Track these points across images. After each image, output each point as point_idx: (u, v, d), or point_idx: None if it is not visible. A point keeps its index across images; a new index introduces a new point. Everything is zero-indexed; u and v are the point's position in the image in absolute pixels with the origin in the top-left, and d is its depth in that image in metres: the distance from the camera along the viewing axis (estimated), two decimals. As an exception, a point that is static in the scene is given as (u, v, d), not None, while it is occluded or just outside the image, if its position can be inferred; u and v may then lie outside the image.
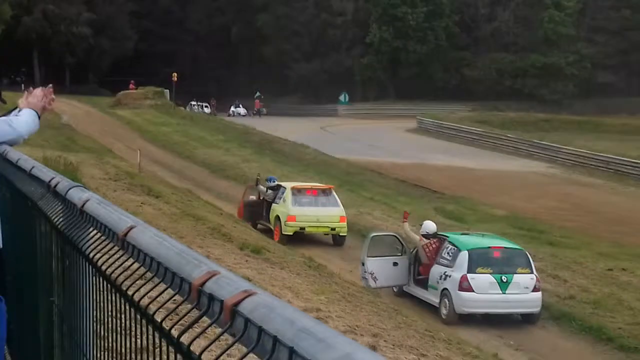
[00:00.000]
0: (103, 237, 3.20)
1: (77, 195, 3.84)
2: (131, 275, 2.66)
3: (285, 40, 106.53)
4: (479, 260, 21.33)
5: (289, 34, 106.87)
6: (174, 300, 2.25)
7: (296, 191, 29.43)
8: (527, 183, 48.06)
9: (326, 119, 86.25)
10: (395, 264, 22.96)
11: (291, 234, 28.37)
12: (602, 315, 21.34)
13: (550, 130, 73.36)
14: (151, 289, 2.44)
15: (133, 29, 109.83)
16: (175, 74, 74.01)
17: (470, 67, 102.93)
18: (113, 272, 2.85)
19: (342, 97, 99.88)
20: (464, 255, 21.37)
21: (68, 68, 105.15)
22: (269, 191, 30.07)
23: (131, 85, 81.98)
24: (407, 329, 15.84)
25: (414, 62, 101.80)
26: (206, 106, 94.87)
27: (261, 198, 30.43)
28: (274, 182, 30.75)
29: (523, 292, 20.92)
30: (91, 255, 3.21)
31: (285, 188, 29.56)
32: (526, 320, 21.27)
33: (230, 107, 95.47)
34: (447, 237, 22.75)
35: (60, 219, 3.95)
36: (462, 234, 24.00)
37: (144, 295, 2.48)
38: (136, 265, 2.70)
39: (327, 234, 29.19)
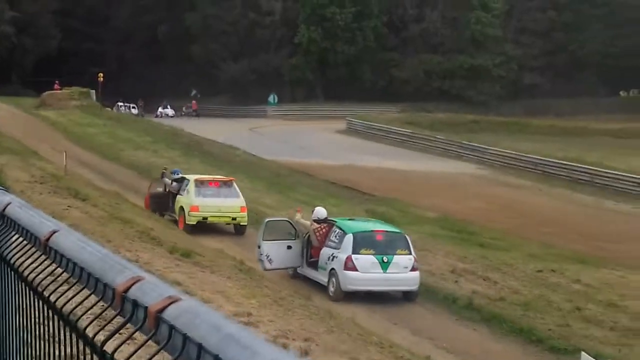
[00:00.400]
0: (25, 242, 3.13)
1: (-2, 198, 3.76)
2: (54, 280, 2.60)
3: (213, 39, 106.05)
4: (363, 242, 23.18)
5: (217, 34, 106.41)
6: (101, 306, 2.20)
7: (199, 183, 30.88)
8: (456, 184, 48.44)
9: (255, 120, 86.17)
10: (289, 247, 24.51)
11: (194, 223, 29.74)
12: (533, 317, 21.59)
13: (478, 131, 74.13)
14: (74, 295, 2.39)
15: (57, 27, 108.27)
16: (102, 74, 73.40)
17: (398, 68, 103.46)
18: (36, 277, 2.78)
19: (271, 98, 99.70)
20: (349, 238, 23.23)
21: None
22: (174, 183, 31.49)
23: (56, 86, 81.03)
24: (339, 333, 15.85)
25: (342, 62, 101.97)
26: (133, 107, 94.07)
27: (167, 190, 31.83)
28: (179, 174, 32.41)
29: (402, 272, 22.82)
30: (13, 261, 3.14)
31: (189, 180, 31.11)
32: (406, 297, 23.16)
33: (158, 108, 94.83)
34: (336, 222, 24.57)
35: None
36: (349, 219, 25.84)
37: (66, 302, 2.41)
38: (60, 270, 2.64)
39: (229, 224, 30.58)
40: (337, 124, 77.44)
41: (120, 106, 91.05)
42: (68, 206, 22.26)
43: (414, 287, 22.94)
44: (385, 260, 22.83)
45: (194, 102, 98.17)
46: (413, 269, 22.91)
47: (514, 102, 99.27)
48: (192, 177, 31.63)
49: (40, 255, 2.87)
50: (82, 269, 2.42)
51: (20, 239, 3.23)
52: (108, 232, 19.00)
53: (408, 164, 54.62)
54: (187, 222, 29.78)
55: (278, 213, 30.78)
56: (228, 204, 30.10)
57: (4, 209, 3.56)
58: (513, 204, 42.66)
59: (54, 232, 2.82)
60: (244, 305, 15.09)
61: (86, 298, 2.31)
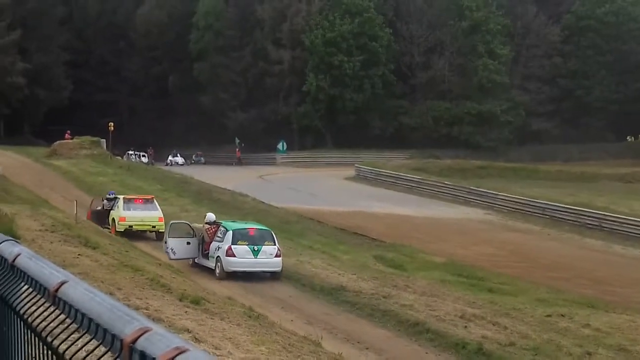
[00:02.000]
0: (35, 293, 3.15)
1: (8, 249, 3.79)
2: (63, 330, 2.62)
3: (222, 89, 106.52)
4: (239, 236, 30.92)
5: (226, 83, 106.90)
6: (109, 356, 2.22)
7: (127, 200, 39.23)
8: (465, 230, 48.34)
9: (264, 167, 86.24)
10: (188, 242, 32.23)
11: (122, 230, 37.50)
12: (543, 362, 21.42)
13: (486, 177, 74.03)
14: (83, 346, 2.41)
15: (69, 78, 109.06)
16: (112, 124, 73.53)
17: (407, 114, 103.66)
18: (45, 327, 2.80)
19: (280, 146, 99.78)
20: (229, 234, 31.02)
21: (2, 118, 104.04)
22: (106, 202, 40.03)
23: (67, 135, 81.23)
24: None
25: (351, 110, 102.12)
26: (143, 155, 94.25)
27: (104, 208, 39.82)
28: (113, 195, 40.88)
29: (268, 257, 30.36)
30: (22, 311, 3.16)
31: (119, 199, 39.41)
32: (273, 276, 30.22)
33: (168, 157, 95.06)
34: (221, 223, 32.58)
35: None
36: (232, 222, 33.64)
37: (75, 353, 2.44)
38: (68, 320, 2.66)
39: (151, 231, 38.62)
40: (346, 171, 77.42)
41: (131, 155, 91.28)
42: (78, 254, 22.25)
43: (278, 269, 30.31)
44: (256, 249, 30.39)
45: (237, 150, 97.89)
46: (277, 255, 30.42)
47: (522, 147, 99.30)
48: (121, 196, 39.91)
49: (50, 306, 2.88)
50: (90, 319, 2.41)
51: (30, 289, 3.24)
52: (118, 279, 18.99)
53: (417, 210, 54.54)
54: (117, 230, 37.41)
55: (288, 260, 31.25)
56: (149, 216, 38.43)
57: (14, 260, 3.58)
58: (521, 249, 42.55)
59: (63, 282, 2.84)
60: (254, 352, 15.05)
61: (95, 348, 2.33)
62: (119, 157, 79.33)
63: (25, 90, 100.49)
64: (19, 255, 3.60)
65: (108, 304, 2.46)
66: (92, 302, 2.55)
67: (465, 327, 24.40)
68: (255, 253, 30.29)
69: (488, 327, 23.88)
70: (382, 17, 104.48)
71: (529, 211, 55.28)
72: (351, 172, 77.28)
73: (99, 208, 40.08)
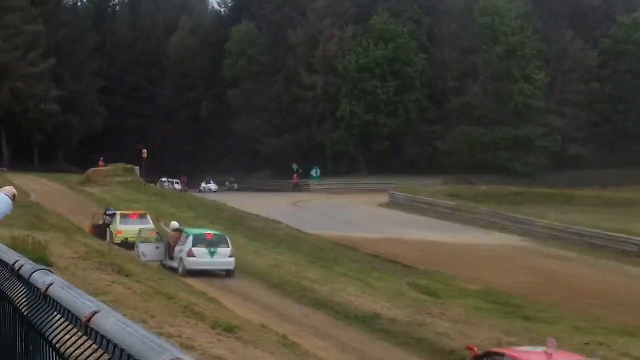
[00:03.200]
0: (67, 322, 3.13)
1: (41, 278, 3.80)
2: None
3: (256, 115, 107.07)
4: (198, 240, 36.12)
5: (259, 109, 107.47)
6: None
7: (123, 216, 44.67)
8: (500, 257, 48.07)
9: (298, 194, 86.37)
10: (157, 247, 37.92)
11: (119, 242, 41.62)
12: (582, 392, 21.12)
13: (523, 203, 73.64)
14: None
15: (102, 105, 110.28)
16: (145, 151, 73.94)
17: (441, 140, 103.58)
18: (77, 358, 2.77)
19: (314, 172, 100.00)
20: (190, 239, 36.23)
21: (37, 146, 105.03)
22: (108, 217, 44.92)
23: (101, 163, 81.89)
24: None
25: (385, 136, 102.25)
26: (177, 182, 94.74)
27: (105, 222, 44.81)
28: (112, 211, 45.66)
29: (223, 258, 35.63)
30: (55, 341, 3.13)
31: (117, 214, 44.76)
32: (227, 275, 35.37)
33: (201, 184, 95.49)
34: (184, 230, 37.91)
35: (24, 304, 3.92)
36: (194, 229, 39.19)
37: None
38: (100, 351, 2.63)
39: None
40: (380, 197, 77.38)
41: (164, 182, 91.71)
42: (112, 282, 22.31)
43: (232, 267, 35.54)
44: (213, 251, 35.63)
45: (295, 176, 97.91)
46: (231, 256, 35.77)
47: (559, 173, 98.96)
48: (119, 212, 45.21)
49: (82, 336, 2.87)
50: (122, 350, 2.43)
51: (63, 319, 3.23)
52: (152, 307, 18.99)
53: (451, 237, 54.34)
54: (115, 242, 41.26)
55: (322, 288, 31.06)
56: (149, 225, 42.71)
57: (46, 289, 3.58)
58: (558, 276, 42.21)
59: (95, 312, 2.83)
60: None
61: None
62: (152, 185, 79.75)
63: (60, 118, 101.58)
64: (51, 284, 3.60)
65: (140, 335, 2.44)
66: (124, 332, 2.54)
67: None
68: (212, 254, 35.60)
69: (525, 356, 23.59)
70: (416, 43, 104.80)
71: (566, 238, 54.85)
72: (385, 198, 77.22)
73: (101, 223, 45.09)
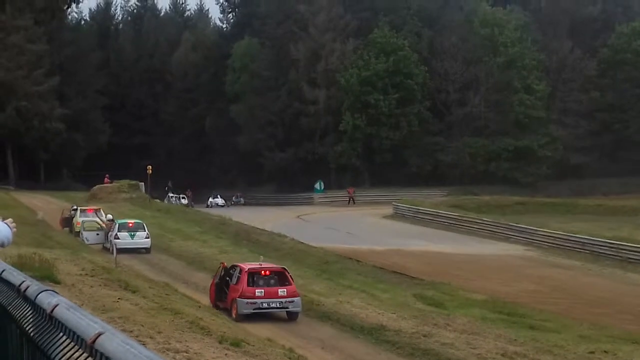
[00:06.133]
0: (72, 344, 3.17)
1: (47, 299, 3.82)
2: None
3: (259, 129, 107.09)
4: (122, 227, 46.40)
5: (263, 124, 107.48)
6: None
7: (82, 210, 54.62)
8: (504, 266, 48.02)
9: (302, 207, 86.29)
10: (97, 234, 48.72)
11: (78, 230, 49.81)
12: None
13: (525, 212, 73.55)
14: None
15: (106, 122, 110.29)
16: (150, 167, 74.00)
17: (443, 151, 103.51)
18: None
19: (317, 185, 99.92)
20: (116, 226, 46.66)
21: (42, 164, 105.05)
22: (72, 212, 54.85)
23: (106, 179, 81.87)
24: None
25: (387, 148, 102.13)
26: (183, 197, 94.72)
27: (71, 215, 54.42)
28: (75, 207, 55.69)
29: (141, 239, 46.29)
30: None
31: (78, 209, 54.92)
32: (147, 252, 45.80)
33: (208, 198, 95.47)
34: (114, 220, 48.52)
35: (30, 325, 3.92)
36: (120, 220, 48.50)
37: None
38: None
39: (97, 232, 49.59)
40: (384, 209, 77.32)
41: (171, 197, 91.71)
42: (118, 298, 22.33)
43: (147, 246, 46.21)
44: (132, 234, 46.12)
45: (349, 189, 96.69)
46: (146, 237, 46.51)
47: (561, 182, 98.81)
48: (79, 208, 55.37)
49: (87, 358, 2.90)
50: None
51: (68, 340, 3.26)
52: (158, 323, 19.02)
53: (456, 247, 54.31)
54: (75, 230, 50.78)
55: (327, 300, 30.99)
56: (96, 220, 51.39)
57: (52, 310, 3.61)
58: (563, 284, 42.16)
59: (100, 334, 2.86)
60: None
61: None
62: (158, 200, 79.71)
63: (64, 135, 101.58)
64: (57, 305, 3.62)
65: (144, 356, 2.48)
66: (128, 353, 2.57)
67: (507, 365, 24.21)
68: (132, 236, 46.01)
69: (530, 365, 23.65)
70: (417, 55, 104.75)
71: (570, 246, 54.76)
72: (389, 210, 77.16)
73: (67, 216, 55.43)
